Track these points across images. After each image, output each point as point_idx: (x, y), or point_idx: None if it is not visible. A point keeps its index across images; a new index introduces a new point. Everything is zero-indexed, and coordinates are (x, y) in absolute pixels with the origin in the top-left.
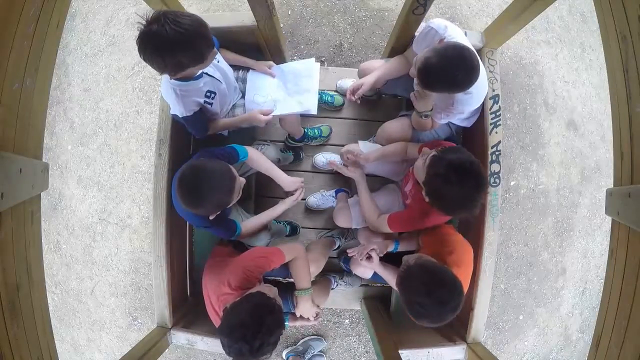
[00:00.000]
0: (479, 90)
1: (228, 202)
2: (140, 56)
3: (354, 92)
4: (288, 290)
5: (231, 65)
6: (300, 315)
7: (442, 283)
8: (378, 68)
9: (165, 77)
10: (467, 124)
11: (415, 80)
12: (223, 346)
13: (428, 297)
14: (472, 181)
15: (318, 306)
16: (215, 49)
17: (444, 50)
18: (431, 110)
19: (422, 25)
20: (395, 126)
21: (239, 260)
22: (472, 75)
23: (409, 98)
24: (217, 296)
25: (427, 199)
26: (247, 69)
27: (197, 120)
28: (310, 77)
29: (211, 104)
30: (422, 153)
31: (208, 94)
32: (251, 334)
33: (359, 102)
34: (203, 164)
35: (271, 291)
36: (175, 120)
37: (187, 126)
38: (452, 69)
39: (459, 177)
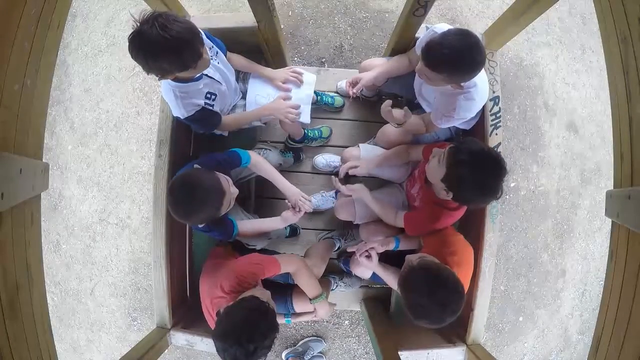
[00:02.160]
0: (481, 96)
1: (216, 216)
2: (130, 54)
3: (353, 84)
4: (287, 291)
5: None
6: (302, 313)
7: (444, 285)
8: (379, 65)
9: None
10: (466, 126)
11: (419, 65)
12: (218, 350)
13: (429, 298)
14: (496, 165)
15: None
16: (206, 57)
17: (449, 29)
18: (402, 123)
19: (424, 27)
20: (392, 129)
21: (234, 265)
22: (478, 52)
23: (409, 99)
24: (210, 299)
25: (449, 195)
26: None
27: (201, 116)
28: (308, 88)
29: (212, 105)
30: (433, 154)
31: (208, 95)
32: (246, 338)
33: (358, 94)
34: (192, 178)
35: (264, 295)
36: (179, 121)
37: (193, 125)
38: (458, 43)
39: (482, 162)
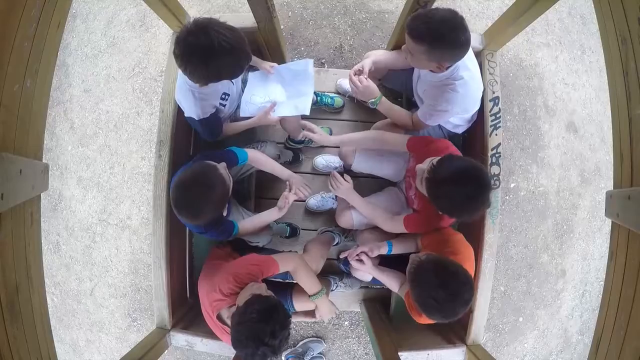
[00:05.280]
0: (467, 92)
1: (222, 205)
2: (182, 66)
3: (357, 74)
4: (287, 290)
5: None
6: (302, 312)
7: (455, 276)
8: (381, 54)
9: (182, 79)
10: (458, 130)
11: (404, 46)
12: (246, 357)
13: (442, 289)
14: (475, 187)
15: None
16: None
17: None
18: (376, 98)
19: None
20: (384, 125)
21: (231, 267)
22: (462, 31)
23: (408, 97)
24: (209, 302)
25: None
26: (247, 70)
27: (213, 121)
28: (306, 78)
29: (224, 105)
30: (418, 172)
31: (223, 95)
32: (269, 337)
33: (364, 81)
34: (196, 171)
35: (261, 289)
36: (188, 122)
37: (202, 129)
38: (441, 18)
39: (459, 190)
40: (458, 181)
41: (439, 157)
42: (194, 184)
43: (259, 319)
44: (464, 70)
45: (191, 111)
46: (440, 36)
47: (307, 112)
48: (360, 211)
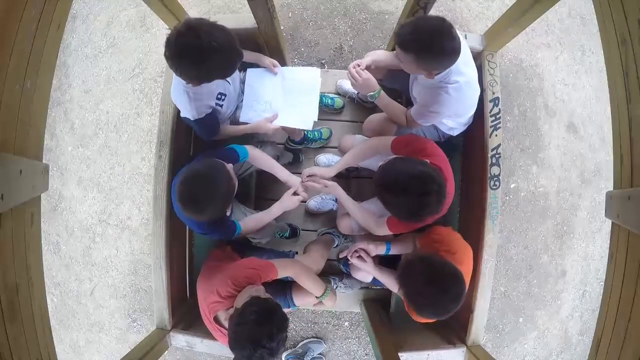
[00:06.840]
0: (461, 95)
1: (229, 196)
2: (173, 67)
3: (357, 67)
4: (286, 286)
5: None
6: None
7: (442, 271)
8: (381, 54)
9: (177, 79)
10: (453, 132)
11: (395, 53)
12: (243, 358)
13: (429, 285)
14: (412, 194)
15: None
16: None
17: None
18: (375, 91)
19: None
20: (378, 118)
21: (230, 270)
22: (449, 38)
23: (408, 97)
24: (207, 304)
25: None
26: (245, 69)
27: (209, 121)
28: (312, 90)
29: (221, 105)
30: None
31: (219, 96)
32: (267, 339)
33: (362, 74)
34: (203, 167)
35: (260, 291)
36: (184, 122)
37: (198, 128)
38: (428, 27)
39: (397, 195)
40: (396, 190)
41: (384, 163)
42: (201, 178)
43: (256, 321)
44: (457, 75)
45: (186, 111)
46: (427, 46)
47: (310, 127)
48: (348, 210)
